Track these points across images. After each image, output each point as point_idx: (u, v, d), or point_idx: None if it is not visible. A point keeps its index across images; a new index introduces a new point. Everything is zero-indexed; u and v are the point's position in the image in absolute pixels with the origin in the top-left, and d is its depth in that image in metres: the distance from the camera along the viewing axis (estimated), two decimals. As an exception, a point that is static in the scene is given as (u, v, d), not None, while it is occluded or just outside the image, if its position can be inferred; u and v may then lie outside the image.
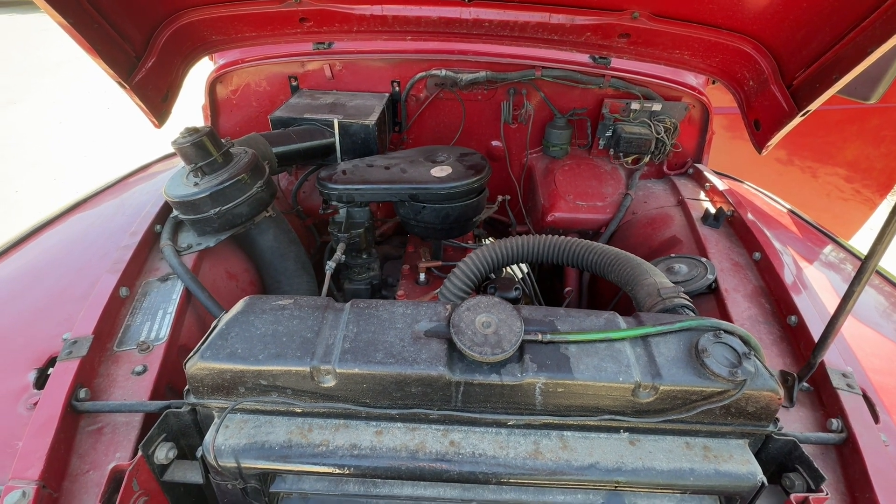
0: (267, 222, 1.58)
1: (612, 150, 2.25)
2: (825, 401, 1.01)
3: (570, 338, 0.79)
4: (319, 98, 2.08)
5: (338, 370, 0.76)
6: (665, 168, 2.30)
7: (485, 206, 1.78)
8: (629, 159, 2.24)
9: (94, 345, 1.03)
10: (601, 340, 0.79)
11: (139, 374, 1.03)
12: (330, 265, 1.46)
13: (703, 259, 1.50)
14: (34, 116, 6.42)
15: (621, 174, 2.27)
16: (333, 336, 0.80)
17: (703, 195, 2.03)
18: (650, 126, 2.15)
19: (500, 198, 2.21)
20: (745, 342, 0.82)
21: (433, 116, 2.28)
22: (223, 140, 1.63)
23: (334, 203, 1.65)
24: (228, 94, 2.23)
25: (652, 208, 2.06)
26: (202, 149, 1.40)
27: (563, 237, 1.29)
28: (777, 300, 1.33)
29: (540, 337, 0.78)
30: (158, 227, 1.49)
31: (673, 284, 0.99)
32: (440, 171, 1.62)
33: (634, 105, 2.12)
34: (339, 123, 1.83)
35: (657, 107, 2.13)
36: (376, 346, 0.78)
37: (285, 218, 1.77)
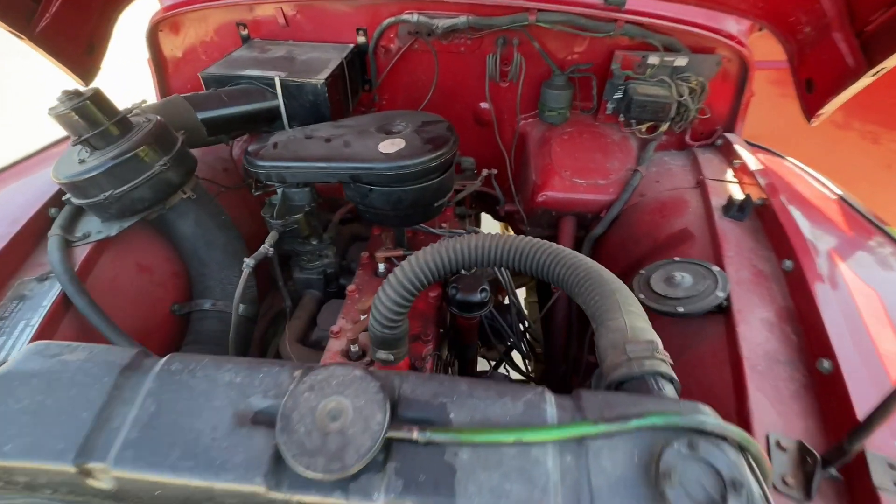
0: (185, 205, 1.33)
1: (622, 115, 1.85)
2: (858, 501, 0.72)
3: (462, 437, 0.52)
4: (270, 50, 1.76)
5: (113, 472, 0.52)
6: (688, 138, 1.90)
7: (452, 186, 1.47)
8: (643, 127, 1.85)
9: None
10: (510, 443, 0.52)
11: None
12: (248, 263, 1.21)
13: (715, 268, 1.16)
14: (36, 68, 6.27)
15: (632, 145, 1.89)
16: (123, 415, 0.56)
17: (729, 175, 1.65)
18: (670, 86, 1.73)
19: (485, 171, 1.89)
20: (742, 448, 0.53)
21: (409, 72, 1.93)
22: (138, 104, 1.36)
23: (266, 183, 1.38)
24: (175, 48, 1.93)
25: (664, 190, 1.70)
26: (86, 117, 1.13)
27: (523, 239, 0.98)
28: (808, 332, 1.01)
29: (415, 435, 0.52)
30: (54, 210, 1.27)
31: (648, 339, 0.69)
32: (390, 146, 1.31)
33: (652, 59, 1.70)
34: (282, 82, 1.52)
35: (682, 61, 1.71)
36: (175, 437, 0.53)
37: (215, 198, 1.51)
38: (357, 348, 1.28)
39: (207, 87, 1.58)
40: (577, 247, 1.89)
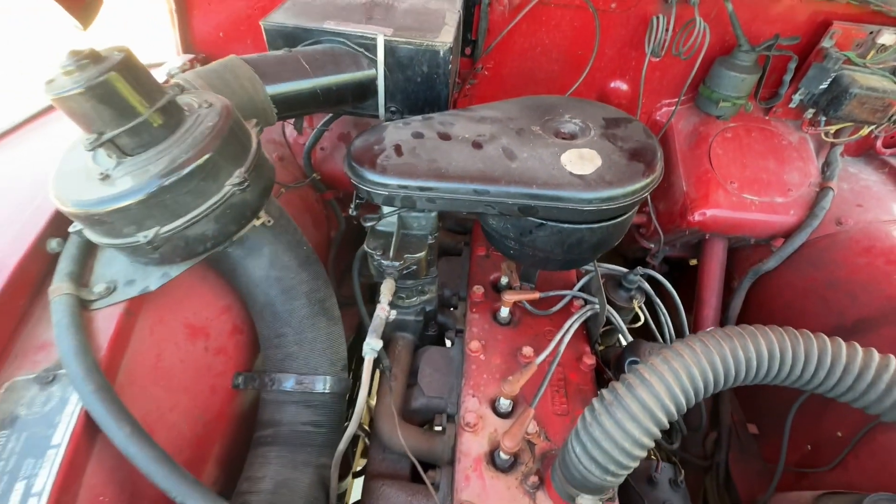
0: (259, 236, 0.87)
1: (810, 110, 1.41)
2: None
3: None
4: (349, -9, 1.23)
5: None
6: (879, 143, 1.48)
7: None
8: (833, 129, 1.41)
9: None
10: None
11: None
12: (371, 347, 0.77)
13: None
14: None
15: (810, 149, 1.46)
16: None
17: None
18: (890, 77, 1.29)
19: None
20: None
21: (529, 34, 1.42)
22: (175, 71, 0.87)
23: (377, 204, 0.91)
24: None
25: (876, 220, 1.29)
26: (113, 99, 0.65)
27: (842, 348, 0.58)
28: None
29: None
30: (55, 242, 0.79)
31: None
32: (579, 162, 0.86)
33: (887, 37, 1.24)
34: (386, 43, 1.02)
35: (920, 43, 1.25)
36: None
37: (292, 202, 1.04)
38: (508, 457, 0.88)
39: (273, 44, 1.06)
40: (728, 279, 1.50)
